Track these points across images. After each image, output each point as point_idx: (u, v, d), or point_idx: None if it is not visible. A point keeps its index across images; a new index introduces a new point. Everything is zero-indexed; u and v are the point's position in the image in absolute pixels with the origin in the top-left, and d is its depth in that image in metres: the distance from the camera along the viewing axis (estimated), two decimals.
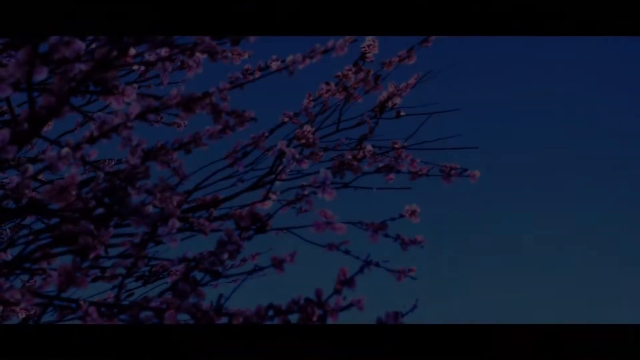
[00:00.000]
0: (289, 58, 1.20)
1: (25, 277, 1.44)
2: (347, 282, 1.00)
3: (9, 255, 1.31)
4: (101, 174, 1.08)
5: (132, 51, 1.16)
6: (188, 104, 1.08)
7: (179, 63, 1.27)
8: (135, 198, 1.08)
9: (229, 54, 1.25)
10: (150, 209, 1.08)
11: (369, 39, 1.43)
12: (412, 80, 1.49)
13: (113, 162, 1.78)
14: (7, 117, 1.60)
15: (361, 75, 1.44)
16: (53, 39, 0.90)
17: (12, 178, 1.05)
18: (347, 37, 1.21)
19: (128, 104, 1.06)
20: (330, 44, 1.19)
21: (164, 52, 1.16)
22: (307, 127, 1.35)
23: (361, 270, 1.02)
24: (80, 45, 0.95)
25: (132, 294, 1.46)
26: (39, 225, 1.20)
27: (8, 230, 1.37)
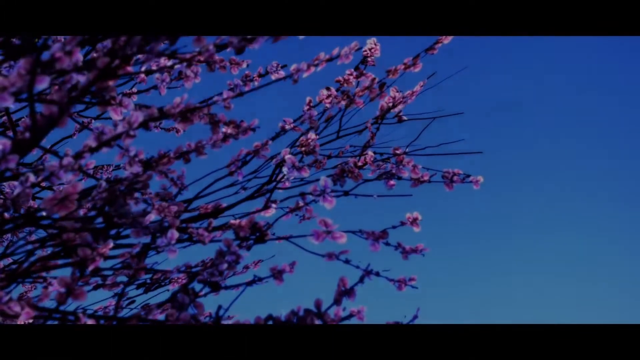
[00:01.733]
0: (293, 66, 1.18)
1: (24, 288, 1.44)
2: (347, 292, 0.99)
3: (9, 259, 1.31)
4: (103, 183, 1.08)
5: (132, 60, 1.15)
6: (185, 114, 1.07)
7: (176, 74, 1.26)
8: (135, 208, 1.08)
9: (227, 64, 1.25)
10: (151, 217, 1.07)
11: (370, 42, 1.41)
12: (417, 88, 1.47)
13: (111, 168, 1.78)
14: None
15: (366, 82, 1.42)
16: (55, 47, 0.90)
17: (13, 183, 1.05)
18: (352, 45, 1.19)
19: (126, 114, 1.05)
20: (335, 51, 1.17)
21: (163, 60, 1.15)
22: (312, 135, 1.33)
23: (361, 280, 1.01)
24: (78, 57, 0.94)
25: (133, 302, 1.46)
26: (40, 234, 1.20)
27: (9, 235, 1.37)
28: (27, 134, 0.94)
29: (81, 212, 1.14)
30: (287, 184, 1.29)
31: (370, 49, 1.42)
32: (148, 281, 1.41)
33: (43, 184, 1.51)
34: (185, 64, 1.22)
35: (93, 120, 1.55)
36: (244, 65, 1.36)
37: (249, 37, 0.98)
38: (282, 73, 1.36)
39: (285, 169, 1.17)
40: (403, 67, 1.43)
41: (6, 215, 1.14)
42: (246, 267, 1.63)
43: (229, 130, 1.17)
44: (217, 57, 1.29)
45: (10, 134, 1.45)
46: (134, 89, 1.47)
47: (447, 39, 1.42)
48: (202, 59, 1.30)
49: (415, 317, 0.98)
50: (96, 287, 1.31)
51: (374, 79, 1.42)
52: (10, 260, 1.27)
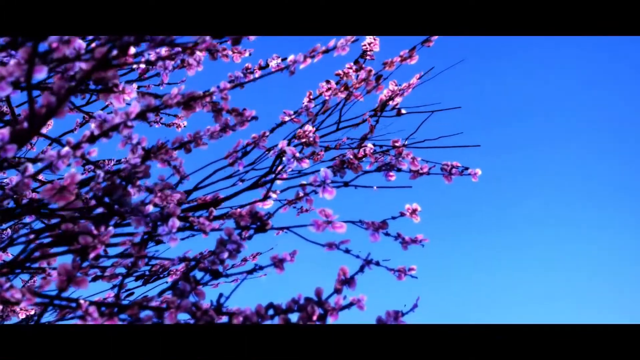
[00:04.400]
0: (290, 57, 1.19)
1: (25, 276, 1.44)
2: (348, 281, 0.99)
3: (9, 255, 1.31)
4: (101, 173, 1.08)
5: (132, 50, 1.16)
6: (188, 102, 1.07)
7: (179, 62, 1.26)
8: (136, 197, 1.08)
9: (230, 53, 1.25)
10: (150, 208, 1.08)
11: (369, 37, 1.42)
12: (414, 80, 1.48)
13: (113, 162, 1.78)
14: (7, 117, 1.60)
15: (363, 75, 1.43)
16: (53, 37, 0.90)
17: (12, 178, 1.05)
18: (348, 37, 1.20)
19: (128, 103, 1.06)
20: (331, 43, 1.19)
21: (164, 50, 1.15)
22: (309, 127, 1.34)
23: (361, 269, 1.01)
24: (80, 44, 0.95)
25: (132, 294, 1.46)
26: (39, 225, 1.20)
27: (9, 230, 1.37)
28: (25, 124, 0.94)
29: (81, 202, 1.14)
30: (285, 175, 1.30)
31: (369, 44, 1.43)
32: (147, 273, 1.42)
33: (42, 177, 1.51)
34: (187, 52, 1.23)
35: (92, 114, 1.55)
36: (247, 54, 1.36)
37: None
38: (282, 65, 1.37)
39: (285, 160, 1.17)
40: (399, 59, 1.44)
41: (5, 204, 1.14)
42: (244, 260, 1.64)
43: (230, 119, 1.17)
44: (219, 46, 1.30)
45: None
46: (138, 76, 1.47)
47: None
48: (201, 48, 1.31)
49: (415, 306, 0.98)
50: (95, 279, 1.31)
51: (370, 71, 1.43)
52: (10, 256, 1.27)
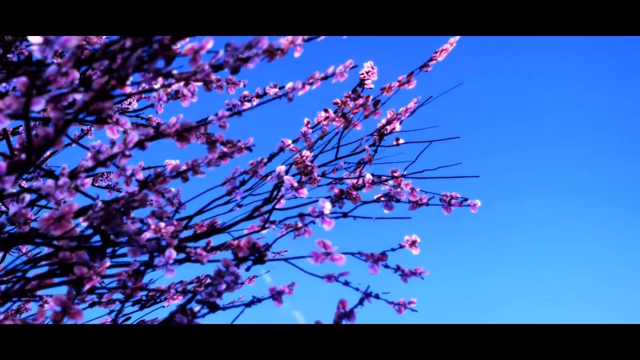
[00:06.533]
0: (289, 85, 1.19)
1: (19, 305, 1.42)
2: (347, 314, 0.99)
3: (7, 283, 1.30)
4: (99, 202, 1.07)
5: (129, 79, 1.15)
6: (183, 133, 1.07)
7: (173, 93, 1.26)
8: (131, 227, 1.07)
9: (224, 84, 1.25)
10: (146, 236, 1.07)
11: (367, 65, 1.42)
12: (411, 105, 1.48)
13: (111, 175, 1.77)
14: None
15: (361, 100, 1.43)
16: (51, 69, 0.90)
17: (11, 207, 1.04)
18: (347, 63, 1.20)
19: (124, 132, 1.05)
20: (330, 70, 1.18)
21: (159, 80, 1.14)
22: (306, 153, 1.33)
23: (361, 302, 1.01)
24: (74, 75, 0.94)
25: (129, 318, 1.45)
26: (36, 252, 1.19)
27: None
28: (23, 155, 0.94)
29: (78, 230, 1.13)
30: (283, 201, 1.29)
31: (367, 72, 1.43)
32: (143, 298, 1.41)
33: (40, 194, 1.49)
34: (182, 82, 1.22)
35: (92, 128, 1.55)
36: (241, 85, 1.36)
37: (244, 56, 0.98)
38: (279, 92, 1.37)
39: (283, 190, 1.17)
40: (397, 84, 1.44)
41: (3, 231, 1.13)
42: (241, 284, 1.62)
43: (226, 149, 1.17)
44: (213, 76, 1.29)
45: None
46: (131, 106, 1.47)
47: (441, 57, 1.43)
48: (198, 78, 1.30)
49: None
50: (92, 305, 1.30)
51: (368, 97, 1.43)
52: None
